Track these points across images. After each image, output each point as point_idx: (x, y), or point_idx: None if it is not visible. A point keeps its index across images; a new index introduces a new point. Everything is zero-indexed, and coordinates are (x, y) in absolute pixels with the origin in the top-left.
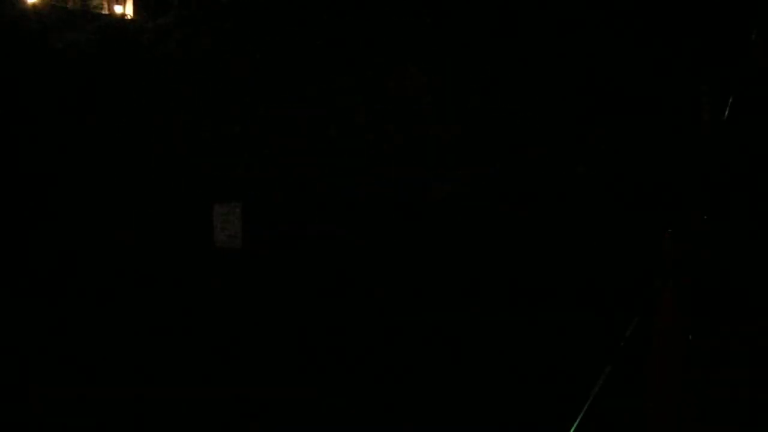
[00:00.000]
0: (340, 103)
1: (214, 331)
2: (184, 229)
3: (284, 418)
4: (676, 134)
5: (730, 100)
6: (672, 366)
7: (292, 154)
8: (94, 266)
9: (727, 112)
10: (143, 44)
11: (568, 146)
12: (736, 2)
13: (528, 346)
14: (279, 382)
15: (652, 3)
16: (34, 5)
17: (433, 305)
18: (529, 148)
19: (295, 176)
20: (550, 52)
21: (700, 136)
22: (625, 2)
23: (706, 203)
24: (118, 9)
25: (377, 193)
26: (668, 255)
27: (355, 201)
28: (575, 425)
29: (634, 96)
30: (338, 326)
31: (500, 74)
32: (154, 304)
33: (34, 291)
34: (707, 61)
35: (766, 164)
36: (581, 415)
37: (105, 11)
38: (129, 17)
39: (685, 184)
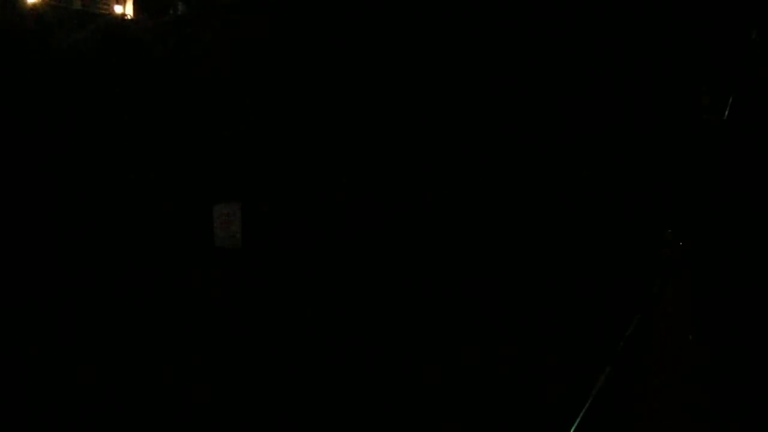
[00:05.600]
0: (340, 102)
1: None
2: (185, 229)
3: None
4: (677, 135)
5: (730, 100)
6: (672, 365)
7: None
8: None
9: (727, 112)
10: (143, 44)
11: (568, 146)
12: (736, 2)
13: (528, 345)
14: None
15: (652, 3)
16: (34, 5)
17: (430, 301)
18: (529, 149)
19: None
20: (553, 52)
21: (699, 136)
22: (625, 3)
23: (705, 203)
24: (118, 9)
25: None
26: (668, 255)
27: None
28: (575, 425)
29: (635, 97)
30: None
31: (504, 76)
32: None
33: (39, 287)
34: (707, 61)
35: (765, 164)
36: (581, 414)
37: (105, 11)
38: (129, 17)
39: (685, 184)
